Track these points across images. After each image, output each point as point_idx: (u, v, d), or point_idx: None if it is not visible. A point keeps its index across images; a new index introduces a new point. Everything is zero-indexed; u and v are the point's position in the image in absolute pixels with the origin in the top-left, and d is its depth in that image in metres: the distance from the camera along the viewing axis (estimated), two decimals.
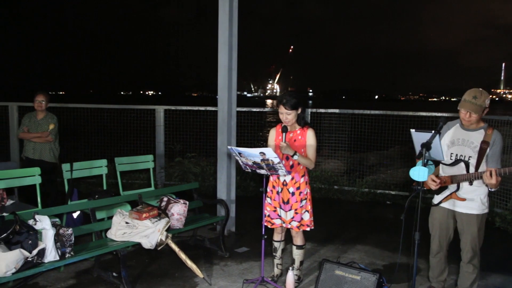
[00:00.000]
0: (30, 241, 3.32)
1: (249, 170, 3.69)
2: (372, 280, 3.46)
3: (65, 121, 7.64)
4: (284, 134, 3.62)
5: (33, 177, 4.53)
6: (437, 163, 3.51)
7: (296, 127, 3.80)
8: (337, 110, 7.63)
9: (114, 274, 3.96)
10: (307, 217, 3.84)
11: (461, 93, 3.32)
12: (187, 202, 4.60)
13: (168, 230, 4.09)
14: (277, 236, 4.06)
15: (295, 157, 3.60)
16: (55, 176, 5.59)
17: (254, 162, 3.52)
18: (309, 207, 3.84)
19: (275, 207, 3.89)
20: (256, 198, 6.90)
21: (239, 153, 3.54)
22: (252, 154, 3.45)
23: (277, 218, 3.91)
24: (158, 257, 4.60)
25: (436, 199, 3.56)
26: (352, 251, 4.94)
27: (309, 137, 3.75)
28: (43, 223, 3.47)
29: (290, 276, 3.78)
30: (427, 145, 2.99)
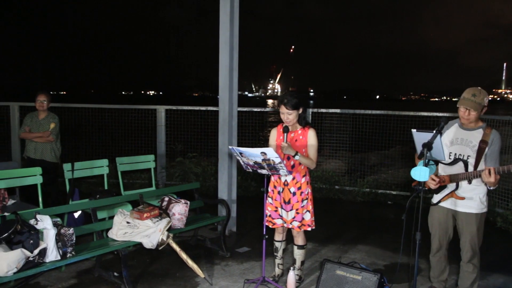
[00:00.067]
0: (31, 241, 3.32)
1: (250, 170, 3.69)
2: (373, 280, 3.46)
3: (66, 121, 7.65)
4: (285, 134, 3.62)
5: (34, 177, 4.53)
6: (436, 162, 3.52)
7: (297, 127, 3.80)
8: (338, 110, 7.63)
9: (115, 274, 3.96)
10: (308, 217, 3.83)
11: (462, 93, 3.34)
12: (188, 202, 4.60)
13: (169, 230, 4.09)
14: (278, 236, 4.06)
15: (297, 157, 3.60)
16: (56, 176, 5.60)
17: (255, 162, 3.52)
18: (310, 207, 3.84)
19: (276, 207, 3.89)
20: (257, 198, 6.90)
21: (240, 153, 3.54)
22: (253, 154, 3.45)
23: (278, 218, 3.91)
24: (159, 257, 4.60)
25: (435, 198, 3.57)
26: (353, 251, 4.93)
27: (310, 137, 3.75)
28: (45, 223, 3.47)
29: (291, 276, 3.78)
30: (428, 145, 2.99)
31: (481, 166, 3.28)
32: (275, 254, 4.11)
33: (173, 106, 7.81)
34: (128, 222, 4.00)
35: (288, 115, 3.69)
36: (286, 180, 3.80)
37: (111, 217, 4.35)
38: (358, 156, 8.31)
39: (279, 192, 3.85)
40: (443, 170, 3.51)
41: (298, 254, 4.00)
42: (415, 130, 3.12)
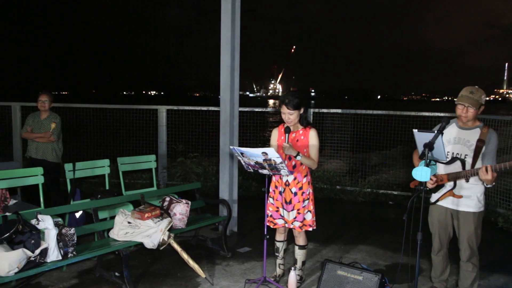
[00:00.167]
0: (32, 241, 3.32)
1: (251, 170, 3.69)
2: (374, 281, 3.46)
3: (68, 121, 7.66)
4: (287, 135, 3.62)
5: (35, 176, 4.53)
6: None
7: (299, 127, 3.80)
8: (339, 110, 7.62)
9: (116, 273, 3.96)
10: (309, 217, 3.83)
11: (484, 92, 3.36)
12: (189, 202, 4.60)
13: (170, 230, 4.09)
14: (280, 236, 4.06)
15: (298, 157, 3.60)
16: (58, 176, 5.61)
17: (256, 162, 3.52)
18: (311, 207, 3.84)
19: (277, 207, 3.89)
20: (258, 198, 6.90)
21: (241, 153, 3.54)
22: (254, 154, 3.45)
23: (279, 218, 3.91)
24: (160, 257, 4.60)
25: (434, 197, 3.58)
26: (354, 251, 4.93)
27: (312, 137, 3.75)
28: (46, 223, 3.47)
29: (292, 276, 3.77)
30: (429, 145, 2.99)
31: (478, 164, 3.30)
32: (276, 254, 4.11)
33: (174, 106, 7.82)
34: (129, 222, 4.01)
35: (290, 115, 3.69)
36: (287, 180, 3.80)
37: (112, 217, 4.36)
38: (359, 156, 8.30)
39: (280, 192, 3.85)
40: (440, 169, 3.52)
41: (299, 254, 4.00)
42: (416, 130, 3.13)
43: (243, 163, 3.67)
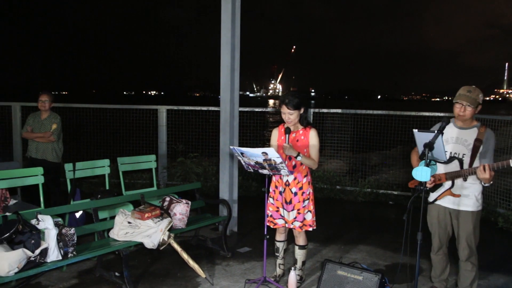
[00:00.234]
0: (32, 241, 3.32)
1: (252, 170, 3.69)
2: (374, 281, 3.46)
3: (68, 121, 7.66)
4: (287, 135, 3.62)
5: (35, 176, 4.53)
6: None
7: (299, 127, 3.80)
8: (339, 110, 7.62)
9: (117, 273, 3.96)
10: (309, 217, 3.83)
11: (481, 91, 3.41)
12: (190, 202, 4.60)
13: (171, 230, 4.09)
14: (280, 236, 4.06)
15: (299, 158, 3.60)
16: (58, 176, 5.61)
17: (257, 162, 3.52)
18: (311, 207, 3.84)
19: (277, 207, 3.89)
20: (258, 198, 6.90)
21: (242, 153, 3.54)
22: (254, 154, 3.45)
23: (279, 218, 3.91)
24: (160, 257, 4.60)
25: (432, 196, 3.59)
26: (355, 251, 4.93)
27: (312, 137, 3.75)
28: (46, 223, 3.48)
29: (292, 276, 3.77)
30: (429, 145, 2.99)
31: (476, 164, 3.31)
32: (276, 254, 4.11)
33: (174, 106, 7.82)
34: (129, 222, 4.01)
35: (290, 115, 3.69)
36: (287, 180, 3.80)
37: (112, 217, 4.36)
38: (359, 156, 8.30)
39: (280, 192, 3.85)
40: (438, 169, 3.53)
41: (299, 254, 4.00)
42: (416, 130, 3.13)
43: (243, 163, 3.67)
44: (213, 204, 5.58)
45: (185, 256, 3.98)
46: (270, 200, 3.92)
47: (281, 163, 3.40)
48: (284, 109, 3.69)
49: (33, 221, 3.50)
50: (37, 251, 3.30)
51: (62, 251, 3.48)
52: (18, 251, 3.19)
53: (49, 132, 5.42)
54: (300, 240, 3.96)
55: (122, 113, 8.01)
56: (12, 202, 4.73)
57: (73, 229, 3.63)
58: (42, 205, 4.50)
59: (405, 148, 7.77)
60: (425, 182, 3.05)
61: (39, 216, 3.53)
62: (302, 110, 3.73)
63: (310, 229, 3.87)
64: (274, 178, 3.91)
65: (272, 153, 3.36)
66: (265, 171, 3.59)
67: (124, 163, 5.38)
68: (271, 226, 3.95)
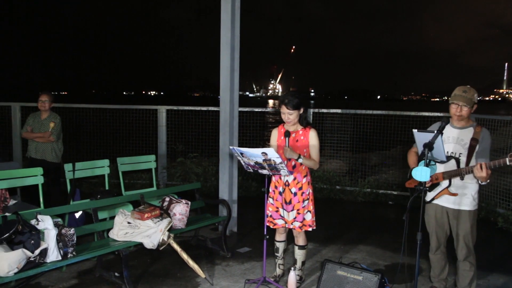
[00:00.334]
0: (32, 241, 3.32)
1: (251, 170, 3.69)
2: (374, 281, 3.46)
3: (67, 121, 7.66)
4: (286, 138, 3.62)
5: (35, 177, 4.53)
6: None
7: (298, 127, 3.80)
8: (339, 110, 7.63)
9: (116, 274, 3.96)
10: (309, 217, 3.83)
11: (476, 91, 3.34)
12: (189, 202, 4.60)
13: (170, 230, 4.09)
14: (279, 237, 4.06)
15: (300, 160, 3.62)
16: (58, 176, 5.61)
17: (256, 162, 3.52)
18: (311, 208, 3.84)
19: (277, 208, 3.89)
20: (258, 198, 6.90)
21: (241, 153, 3.54)
22: (254, 154, 3.45)
23: (279, 219, 3.91)
24: (160, 257, 4.60)
25: (429, 196, 3.60)
26: (354, 251, 4.93)
27: (312, 138, 3.76)
28: (46, 223, 3.47)
29: (292, 276, 3.77)
30: (429, 145, 3.00)
31: (472, 163, 3.35)
32: (276, 254, 4.11)
33: (174, 106, 7.81)
34: (129, 222, 4.01)
35: (289, 115, 3.69)
36: (287, 181, 3.80)
37: (112, 218, 4.36)
38: (359, 156, 8.30)
39: (280, 193, 3.85)
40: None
41: (299, 254, 4.00)
42: (416, 130, 3.15)
43: (243, 163, 3.67)
44: (213, 204, 5.58)
45: (184, 256, 3.98)
46: (270, 200, 3.93)
47: (280, 163, 3.40)
48: (284, 109, 3.69)
49: (33, 222, 3.50)
50: (37, 251, 3.30)
51: (61, 251, 3.48)
52: (18, 251, 3.19)
53: (48, 132, 5.42)
54: (300, 240, 3.96)
55: (121, 113, 8.01)
56: (11, 202, 4.72)
57: (73, 229, 3.63)
58: (41, 205, 4.50)
59: (405, 148, 7.77)
60: (425, 182, 3.06)
61: (39, 217, 3.53)
62: (301, 110, 3.74)
63: (310, 229, 3.87)
64: (273, 178, 3.91)
65: (271, 153, 3.36)
66: (264, 171, 3.60)
67: (123, 163, 5.38)
68: (271, 226, 3.95)
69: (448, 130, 3.48)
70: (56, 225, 3.54)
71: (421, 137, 3.12)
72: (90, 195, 4.91)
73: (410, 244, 3.38)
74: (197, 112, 7.96)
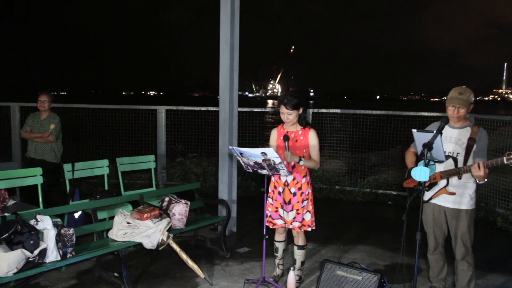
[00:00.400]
0: (31, 241, 3.32)
1: (251, 170, 3.69)
2: (373, 281, 3.46)
3: (66, 121, 7.66)
4: (286, 143, 3.63)
5: (34, 177, 4.53)
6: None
7: (298, 127, 3.80)
8: (338, 110, 7.63)
9: (116, 274, 3.96)
10: (308, 217, 3.83)
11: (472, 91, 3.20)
12: (189, 202, 4.60)
13: (170, 230, 4.09)
14: (279, 237, 4.06)
15: (301, 163, 3.63)
16: (58, 176, 5.60)
17: (256, 162, 3.52)
18: (310, 208, 3.84)
19: (276, 208, 3.89)
20: (257, 199, 6.90)
21: (241, 153, 3.54)
22: (253, 154, 3.45)
23: (278, 219, 3.91)
24: (160, 257, 4.60)
25: (427, 195, 3.62)
26: (354, 252, 4.93)
27: (312, 138, 3.76)
28: (45, 223, 3.47)
29: (291, 276, 3.77)
30: (428, 145, 3.01)
31: (470, 162, 3.38)
32: (275, 254, 4.11)
33: (173, 106, 7.81)
34: (128, 223, 4.00)
35: (288, 115, 3.69)
36: (286, 181, 3.80)
37: (112, 218, 4.35)
38: (358, 156, 8.30)
39: (279, 193, 3.85)
40: None
41: (298, 255, 4.00)
42: (415, 130, 3.16)
43: (242, 163, 3.67)
44: (212, 204, 5.58)
45: (184, 256, 3.98)
46: (269, 200, 3.93)
47: (280, 163, 3.40)
48: (283, 109, 3.70)
49: (32, 222, 3.50)
50: (36, 252, 3.30)
51: (61, 252, 3.47)
52: (17, 251, 3.19)
53: (47, 132, 5.42)
54: (299, 240, 3.96)
55: (121, 113, 8.00)
56: (11, 202, 4.72)
57: (72, 229, 3.63)
58: (41, 205, 4.49)
59: (404, 148, 7.75)
60: (424, 182, 3.06)
61: (38, 217, 3.52)
62: (301, 110, 3.74)
63: (309, 229, 3.87)
64: (273, 178, 3.91)
65: (271, 153, 3.36)
66: (264, 171, 3.60)
67: (123, 163, 5.37)
68: (270, 227, 3.95)
69: (446, 130, 3.50)
70: (55, 225, 3.54)
71: (420, 137, 3.12)
72: (90, 195, 4.91)
73: (409, 244, 3.39)
74: (196, 112, 7.96)
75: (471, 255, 3.55)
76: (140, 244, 3.95)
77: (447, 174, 3.43)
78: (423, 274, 4.25)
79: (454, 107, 3.38)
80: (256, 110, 7.83)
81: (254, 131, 7.75)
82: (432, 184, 3.54)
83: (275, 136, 3.90)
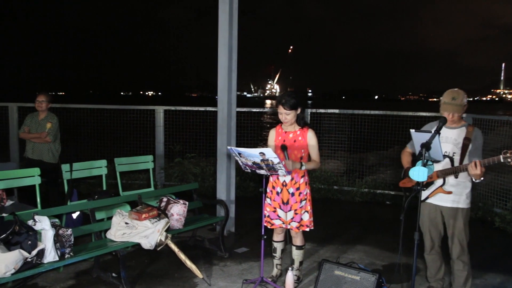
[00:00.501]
0: (29, 242, 3.32)
1: (249, 171, 3.69)
2: (371, 280, 3.46)
3: (65, 121, 7.64)
4: (285, 152, 3.63)
5: (32, 177, 4.52)
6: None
7: (296, 128, 3.81)
8: (336, 111, 7.64)
9: (114, 274, 3.95)
10: (306, 217, 3.84)
11: (465, 92, 3.47)
12: (187, 203, 4.60)
13: (168, 230, 4.09)
14: (277, 237, 4.06)
15: (303, 167, 3.65)
16: (56, 177, 5.59)
17: (254, 163, 3.52)
18: (308, 208, 3.84)
19: (274, 208, 3.89)
20: (255, 199, 6.90)
21: (239, 154, 3.54)
22: (251, 155, 3.45)
23: (276, 219, 3.91)
24: (158, 257, 4.60)
25: (423, 194, 3.63)
26: (352, 251, 4.94)
27: (310, 138, 3.76)
28: (43, 224, 3.47)
29: (290, 277, 3.78)
30: (426, 145, 3.02)
31: (466, 161, 3.42)
32: (274, 254, 4.11)
33: (171, 106, 7.81)
34: (126, 223, 4.00)
35: (286, 115, 3.70)
36: (284, 181, 3.80)
37: (110, 218, 4.35)
38: (356, 156, 8.31)
39: (277, 193, 3.86)
40: None
41: (297, 255, 4.00)
42: (413, 130, 3.18)
43: (241, 164, 3.67)
44: (211, 205, 5.58)
45: (182, 256, 3.97)
46: (268, 200, 3.93)
47: (278, 163, 3.41)
48: (281, 109, 3.70)
49: (30, 222, 3.49)
50: (34, 252, 3.30)
51: (59, 252, 3.47)
52: (15, 252, 3.19)
53: (44, 133, 5.41)
54: (298, 240, 3.96)
55: (119, 113, 7.99)
56: (8, 203, 4.71)
57: (70, 229, 3.63)
58: (39, 206, 4.49)
59: (402, 148, 7.76)
60: (422, 182, 3.07)
61: (36, 217, 3.52)
62: (299, 111, 3.74)
63: (307, 229, 3.87)
64: (271, 179, 3.91)
65: (269, 153, 3.36)
66: (262, 172, 3.60)
67: (121, 163, 5.37)
68: (269, 227, 3.95)
69: (443, 131, 3.52)
70: (53, 225, 3.54)
71: (418, 137, 3.14)
72: (88, 196, 4.90)
73: (407, 244, 3.39)
74: (194, 113, 7.96)
75: (467, 254, 3.57)
76: (138, 245, 3.94)
77: (444, 173, 3.47)
78: (421, 274, 4.25)
79: (448, 113, 3.43)
80: (254, 110, 7.83)
81: (253, 131, 7.74)
82: (428, 183, 3.57)
83: (273, 136, 3.90)
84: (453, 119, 3.45)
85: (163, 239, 3.93)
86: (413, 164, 3.66)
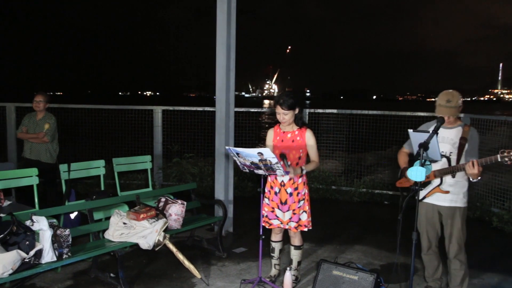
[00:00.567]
0: (27, 242, 3.31)
1: (247, 171, 3.69)
2: (369, 280, 3.47)
3: (62, 121, 7.62)
4: (284, 160, 3.63)
5: (30, 177, 4.51)
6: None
7: (294, 128, 3.81)
8: (335, 110, 7.64)
9: (112, 275, 3.95)
10: (305, 217, 3.84)
11: (460, 93, 3.48)
12: (185, 203, 4.60)
13: (166, 230, 4.09)
14: (275, 237, 4.06)
15: (304, 171, 3.67)
16: (54, 177, 5.58)
17: (252, 163, 3.52)
18: (307, 208, 3.84)
19: (273, 208, 3.89)
20: (254, 199, 6.89)
21: (237, 154, 3.54)
22: (250, 155, 3.45)
23: (275, 219, 3.91)
24: (156, 257, 4.59)
25: (421, 194, 3.65)
26: (350, 251, 4.94)
27: (309, 138, 3.77)
28: (41, 224, 3.46)
29: (288, 276, 3.78)
30: (424, 145, 3.03)
31: (462, 161, 3.44)
32: (272, 254, 4.11)
33: (170, 106, 7.80)
34: (124, 223, 4.00)
35: (284, 115, 3.70)
36: (282, 181, 3.80)
37: (108, 218, 4.34)
38: (354, 156, 8.32)
39: (276, 193, 3.86)
40: None
41: (295, 255, 4.00)
42: (411, 130, 3.19)
43: (239, 164, 3.67)
44: (209, 205, 5.58)
45: (180, 256, 3.97)
46: (266, 200, 3.93)
47: (276, 163, 3.41)
48: (279, 110, 3.70)
49: (28, 222, 3.48)
50: (32, 252, 3.29)
51: (57, 252, 3.46)
52: (12, 252, 3.18)
53: (42, 133, 5.40)
54: (296, 240, 3.96)
55: (117, 113, 7.98)
56: (6, 203, 4.70)
57: (68, 230, 3.62)
58: (36, 206, 4.48)
59: (400, 148, 7.78)
60: (420, 182, 3.08)
61: (34, 217, 3.51)
62: (297, 111, 3.74)
63: (306, 229, 3.88)
64: (269, 179, 3.91)
65: (267, 153, 3.36)
66: (260, 172, 3.60)
67: (119, 163, 5.36)
68: (267, 227, 3.95)
69: (440, 131, 3.54)
70: (51, 226, 3.53)
71: (416, 137, 3.14)
72: (86, 196, 4.90)
73: (405, 243, 3.40)
74: (193, 113, 7.95)
75: (464, 253, 3.58)
76: (137, 245, 3.94)
77: (441, 173, 3.48)
78: (419, 274, 4.26)
79: (443, 116, 3.44)
80: (252, 110, 7.82)
81: (251, 131, 7.74)
82: (426, 183, 3.58)
83: (271, 136, 3.90)
84: (449, 121, 3.47)
85: (161, 239, 3.93)
86: (411, 164, 3.66)
